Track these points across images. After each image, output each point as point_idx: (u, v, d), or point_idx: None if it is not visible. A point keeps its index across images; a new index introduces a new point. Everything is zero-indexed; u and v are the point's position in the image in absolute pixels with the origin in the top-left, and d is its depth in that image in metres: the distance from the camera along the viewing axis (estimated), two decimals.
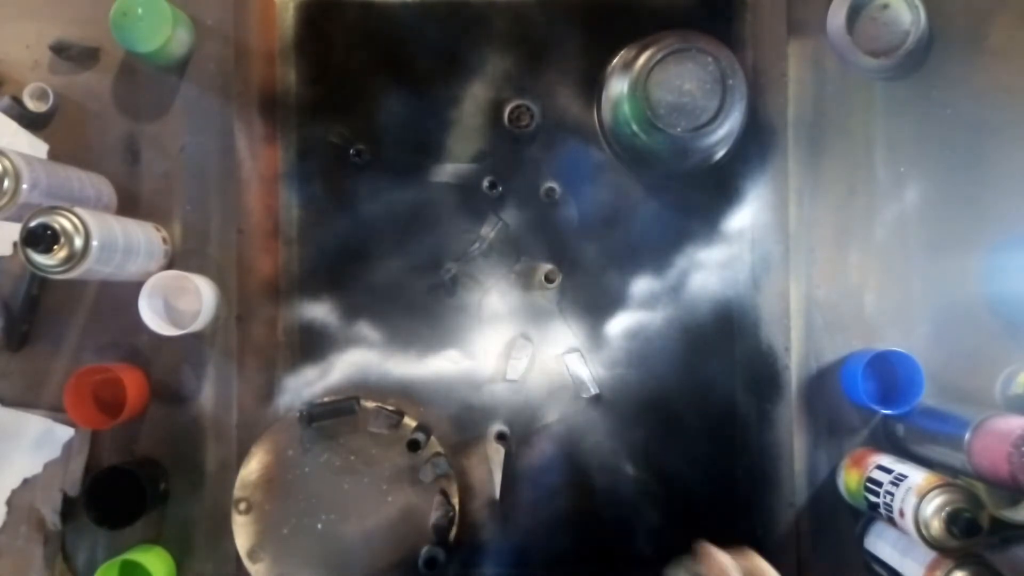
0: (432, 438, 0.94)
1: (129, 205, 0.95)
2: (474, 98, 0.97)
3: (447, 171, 0.97)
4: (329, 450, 0.94)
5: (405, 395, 0.97)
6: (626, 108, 0.89)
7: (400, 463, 0.94)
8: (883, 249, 0.97)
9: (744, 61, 0.93)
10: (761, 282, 0.97)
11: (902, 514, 0.82)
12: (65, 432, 0.94)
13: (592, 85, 0.97)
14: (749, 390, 0.97)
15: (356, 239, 0.97)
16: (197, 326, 0.92)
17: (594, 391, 0.96)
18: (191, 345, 0.95)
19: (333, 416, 0.94)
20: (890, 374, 0.93)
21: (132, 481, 0.90)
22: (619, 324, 0.97)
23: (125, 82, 0.97)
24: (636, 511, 0.96)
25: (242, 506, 0.94)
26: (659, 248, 0.97)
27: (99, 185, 0.93)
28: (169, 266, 0.95)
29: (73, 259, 0.79)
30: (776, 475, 0.96)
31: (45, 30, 0.96)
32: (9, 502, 0.94)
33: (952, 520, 0.78)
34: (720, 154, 0.95)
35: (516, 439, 0.96)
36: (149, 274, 0.91)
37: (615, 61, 0.95)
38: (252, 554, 0.94)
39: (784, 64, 0.97)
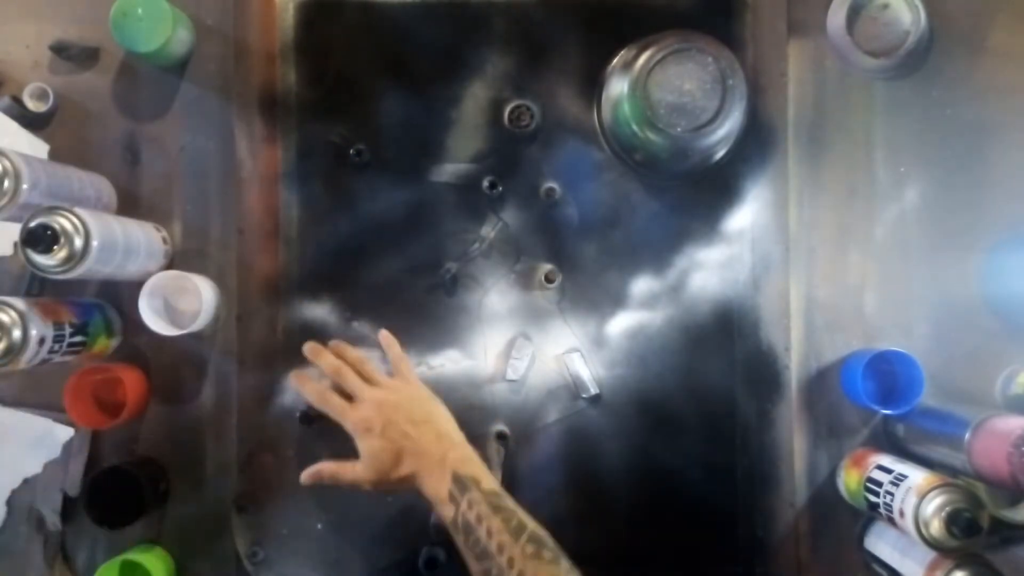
0: None
1: (129, 205, 0.95)
2: (474, 98, 0.97)
3: (447, 171, 0.97)
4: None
5: None
6: (626, 108, 0.89)
7: None
8: (883, 249, 0.97)
9: (744, 61, 0.93)
10: (761, 282, 0.97)
11: (902, 514, 0.82)
12: (65, 432, 0.94)
13: (592, 85, 0.97)
14: (749, 390, 0.97)
15: (356, 239, 0.97)
16: (197, 326, 0.92)
17: (594, 391, 0.96)
18: (191, 345, 0.95)
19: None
20: (890, 374, 0.93)
21: (132, 481, 0.90)
22: (619, 324, 0.97)
23: (125, 82, 0.97)
24: (636, 511, 0.96)
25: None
26: (659, 248, 0.97)
27: (99, 185, 0.93)
28: (169, 266, 0.95)
29: (73, 259, 0.79)
30: (776, 475, 0.96)
31: (45, 30, 0.96)
32: (9, 502, 0.94)
33: (952, 520, 0.78)
34: (720, 154, 0.95)
35: (516, 439, 0.96)
36: (149, 274, 0.91)
37: (615, 61, 0.95)
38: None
39: (784, 64, 0.97)
